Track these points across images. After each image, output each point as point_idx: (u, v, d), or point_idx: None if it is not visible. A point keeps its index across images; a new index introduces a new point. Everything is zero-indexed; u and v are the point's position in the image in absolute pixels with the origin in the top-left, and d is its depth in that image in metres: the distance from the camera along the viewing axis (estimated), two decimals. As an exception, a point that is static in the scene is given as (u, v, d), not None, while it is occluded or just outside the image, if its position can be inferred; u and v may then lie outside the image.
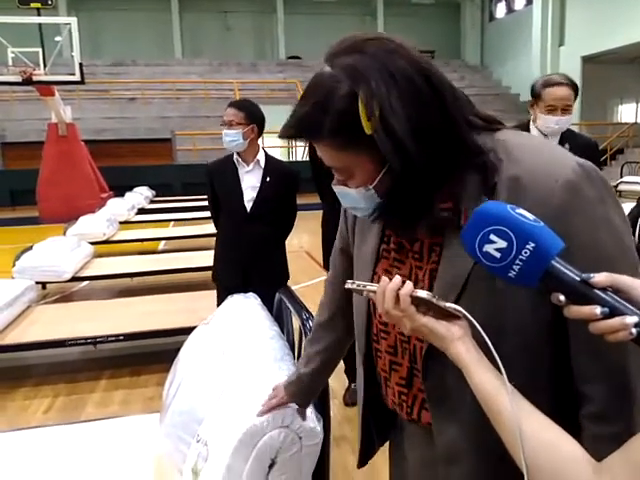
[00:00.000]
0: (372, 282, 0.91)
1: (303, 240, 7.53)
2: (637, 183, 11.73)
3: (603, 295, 0.59)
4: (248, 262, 2.76)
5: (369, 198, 0.79)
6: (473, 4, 22.57)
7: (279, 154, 17.42)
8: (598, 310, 0.58)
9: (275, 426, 1.24)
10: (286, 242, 3.01)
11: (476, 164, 0.76)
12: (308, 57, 20.60)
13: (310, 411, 1.32)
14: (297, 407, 1.26)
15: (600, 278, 0.60)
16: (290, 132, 0.79)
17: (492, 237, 0.64)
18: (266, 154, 2.84)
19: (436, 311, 0.73)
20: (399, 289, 0.72)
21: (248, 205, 2.75)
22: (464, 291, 0.78)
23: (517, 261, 0.62)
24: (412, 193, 0.77)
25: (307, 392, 1.24)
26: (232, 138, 2.66)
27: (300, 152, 16.34)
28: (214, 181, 2.83)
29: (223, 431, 1.33)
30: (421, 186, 0.76)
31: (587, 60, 16.29)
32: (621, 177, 13.50)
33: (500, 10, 21.66)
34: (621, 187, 11.43)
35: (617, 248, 0.74)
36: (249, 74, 19.46)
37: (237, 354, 1.65)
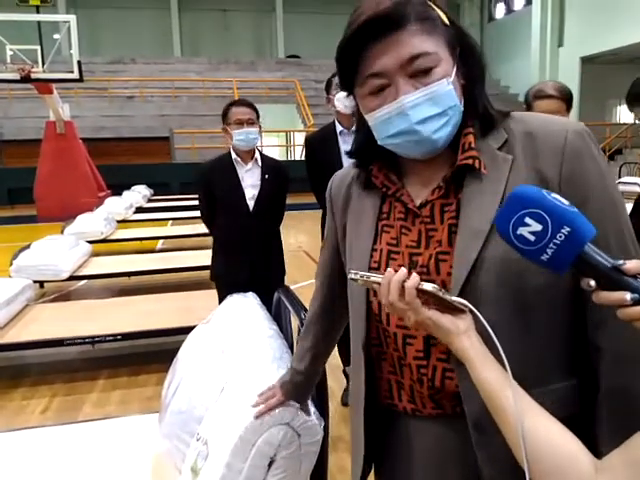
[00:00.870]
0: (372, 258, 0.91)
1: (300, 240, 7.52)
2: (635, 184, 11.73)
3: (634, 282, 0.59)
4: (256, 259, 2.82)
5: (447, 97, 0.79)
6: (472, 4, 22.59)
7: (277, 153, 17.44)
8: (628, 296, 0.58)
9: (275, 423, 1.24)
10: (284, 242, 3.06)
11: (488, 119, 0.84)
12: (307, 56, 20.60)
13: (311, 408, 1.32)
14: (298, 405, 1.25)
15: (632, 265, 0.60)
16: (382, 16, 0.76)
17: (527, 220, 0.64)
18: (260, 152, 2.91)
19: (441, 304, 0.73)
20: (404, 281, 0.72)
21: (250, 203, 2.80)
22: (488, 240, 0.78)
23: (551, 244, 0.63)
24: (474, 96, 0.84)
25: (303, 388, 1.24)
26: (254, 135, 2.76)
27: (298, 151, 16.35)
28: (211, 182, 2.83)
29: (223, 429, 1.33)
30: (479, 91, 0.85)
31: (586, 61, 16.32)
32: (619, 177, 13.52)
33: (499, 10, 21.68)
34: (619, 187, 11.40)
35: (618, 193, 0.81)
36: (248, 72, 19.45)
37: (236, 353, 1.65)
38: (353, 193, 0.98)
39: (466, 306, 0.72)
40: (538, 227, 0.63)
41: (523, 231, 0.65)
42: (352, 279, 0.78)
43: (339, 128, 2.78)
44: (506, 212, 0.66)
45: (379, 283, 0.74)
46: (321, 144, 2.82)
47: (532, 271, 0.77)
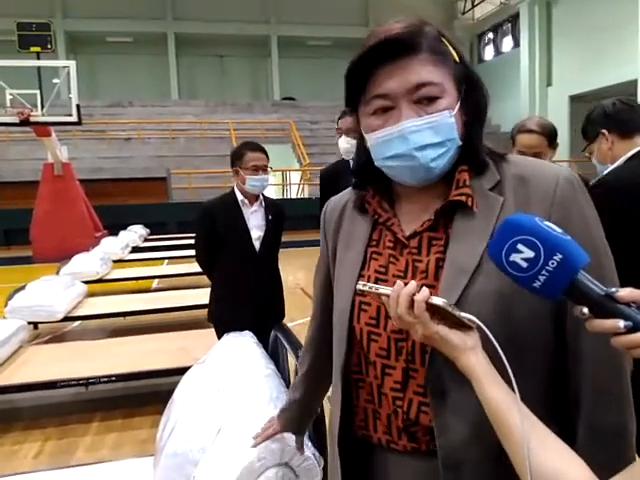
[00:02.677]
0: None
1: (298, 277, 7.49)
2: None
3: (627, 309, 0.59)
4: (260, 300, 2.80)
5: (447, 128, 0.81)
6: (462, 47, 23.29)
7: (274, 192, 17.60)
8: (622, 324, 0.58)
9: (273, 463, 1.22)
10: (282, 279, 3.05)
11: (482, 159, 0.86)
12: (302, 98, 21.05)
13: (309, 449, 1.30)
14: (295, 440, 1.23)
15: (625, 292, 0.60)
16: (394, 40, 0.79)
17: (520, 247, 0.65)
18: (262, 193, 2.92)
19: (448, 320, 0.72)
20: (414, 294, 0.72)
21: (256, 244, 2.81)
22: (474, 277, 0.78)
23: (543, 272, 0.63)
24: (472, 135, 0.85)
25: (299, 418, 1.21)
26: (268, 182, 2.80)
27: (294, 190, 16.50)
28: (216, 220, 2.79)
29: (219, 472, 1.30)
30: (479, 126, 0.86)
31: (575, 99, 16.73)
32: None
33: (488, 53, 22.30)
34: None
35: (603, 244, 0.82)
36: (244, 114, 19.78)
37: (233, 393, 1.63)
38: (345, 218, 1.00)
39: (474, 322, 0.71)
40: (530, 254, 0.64)
41: (516, 258, 0.65)
42: (360, 290, 0.78)
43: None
44: (499, 238, 0.67)
45: (388, 295, 0.74)
46: (333, 180, 2.72)
47: (518, 312, 0.77)
